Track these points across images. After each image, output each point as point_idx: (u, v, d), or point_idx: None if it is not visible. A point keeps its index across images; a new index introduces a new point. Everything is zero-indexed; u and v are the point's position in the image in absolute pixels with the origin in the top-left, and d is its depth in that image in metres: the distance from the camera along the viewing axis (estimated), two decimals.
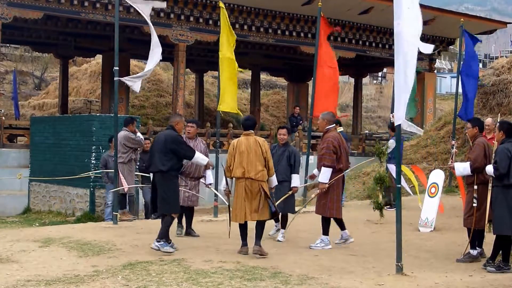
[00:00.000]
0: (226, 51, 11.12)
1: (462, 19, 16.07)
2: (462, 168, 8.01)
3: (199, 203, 10.12)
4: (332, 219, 8.93)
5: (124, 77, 10.72)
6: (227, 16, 11.31)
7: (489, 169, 7.55)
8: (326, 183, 8.70)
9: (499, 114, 12.49)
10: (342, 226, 9.05)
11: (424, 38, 21.80)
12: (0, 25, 16.82)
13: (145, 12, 10.58)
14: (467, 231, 8.11)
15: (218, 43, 11.61)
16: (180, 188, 8.93)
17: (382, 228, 10.59)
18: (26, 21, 18.83)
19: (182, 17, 19.59)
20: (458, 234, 9.42)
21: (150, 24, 10.52)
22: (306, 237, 9.41)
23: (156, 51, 10.35)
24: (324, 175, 8.72)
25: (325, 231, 8.88)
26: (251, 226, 8.23)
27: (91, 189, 13.93)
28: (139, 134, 12.32)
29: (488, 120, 9.56)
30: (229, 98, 11.17)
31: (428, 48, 7.11)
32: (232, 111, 11.45)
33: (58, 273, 6.90)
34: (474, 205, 7.85)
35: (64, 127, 15.40)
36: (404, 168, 12.13)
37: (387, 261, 7.55)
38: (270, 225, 9.46)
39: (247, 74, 31.61)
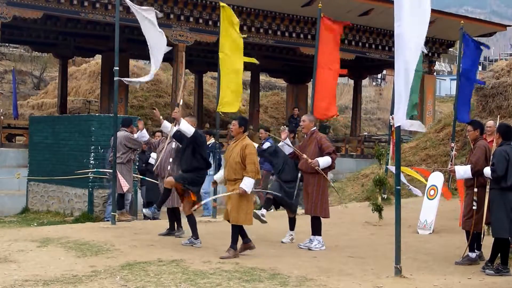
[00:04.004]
0: (228, 50, 11.10)
1: (461, 22, 16.06)
2: (463, 171, 7.98)
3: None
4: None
5: (124, 78, 10.73)
6: (231, 16, 11.26)
7: (487, 171, 7.55)
8: (319, 167, 8.63)
9: (498, 117, 12.46)
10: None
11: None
12: (0, 24, 16.81)
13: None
14: (466, 234, 8.10)
15: (217, 44, 11.60)
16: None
17: (381, 230, 10.57)
18: (25, 20, 18.80)
19: (182, 18, 19.59)
20: (457, 237, 9.40)
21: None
22: (305, 239, 9.38)
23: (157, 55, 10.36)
24: (325, 162, 8.69)
25: (319, 232, 8.91)
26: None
27: (90, 189, 13.89)
28: (136, 134, 12.27)
29: (489, 123, 9.51)
30: (232, 97, 11.16)
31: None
32: (233, 110, 11.45)
33: (56, 273, 6.88)
34: (474, 207, 7.84)
35: (63, 127, 15.35)
36: (406, 169, 12.13)
37: (386, 263, 7.54)
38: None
39: (247, 75, 31.56)
